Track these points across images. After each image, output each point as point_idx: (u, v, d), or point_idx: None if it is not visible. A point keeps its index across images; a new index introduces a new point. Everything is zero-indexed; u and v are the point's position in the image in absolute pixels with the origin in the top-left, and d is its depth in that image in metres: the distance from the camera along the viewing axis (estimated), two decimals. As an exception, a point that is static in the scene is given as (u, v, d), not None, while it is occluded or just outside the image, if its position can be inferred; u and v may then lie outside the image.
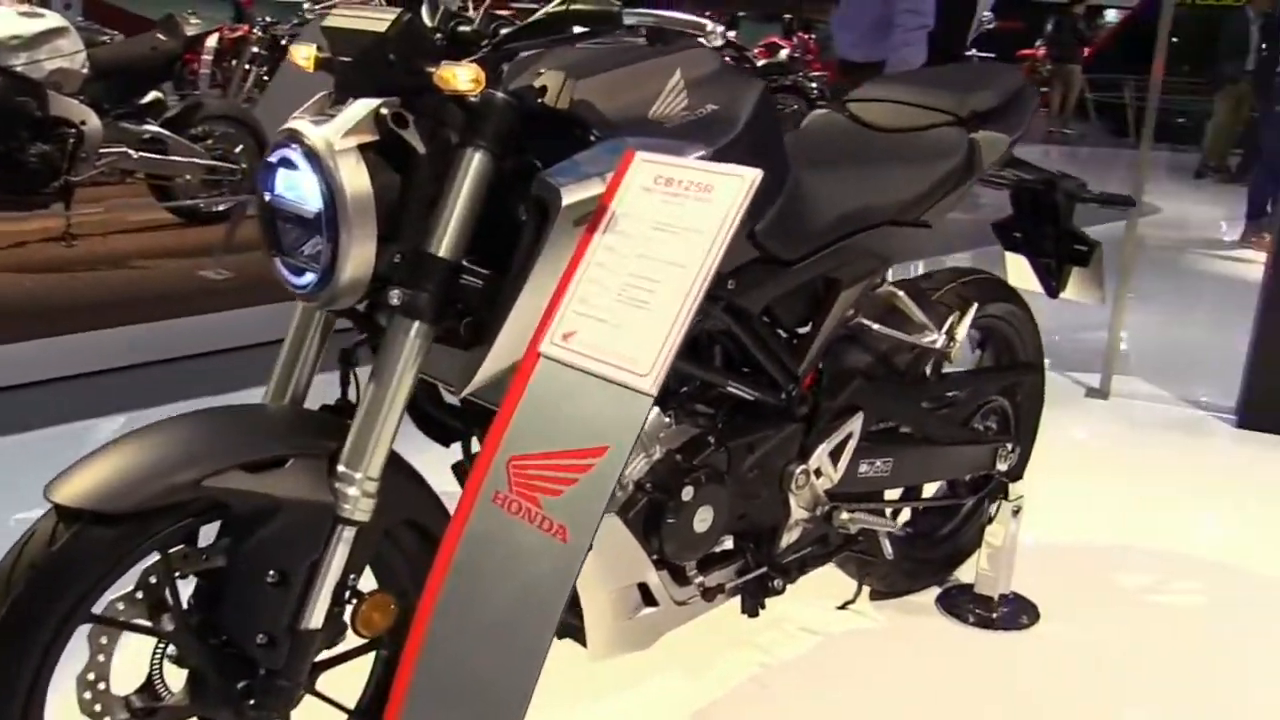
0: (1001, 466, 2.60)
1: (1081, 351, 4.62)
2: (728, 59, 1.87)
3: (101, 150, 5.51)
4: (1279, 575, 2.94)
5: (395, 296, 1.52)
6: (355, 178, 1.48)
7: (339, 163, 1.47)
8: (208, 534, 1.57)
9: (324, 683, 1.70)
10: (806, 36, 14.01)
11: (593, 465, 1.36)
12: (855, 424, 2.16)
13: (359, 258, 1.50)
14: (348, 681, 1.77)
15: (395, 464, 1.60)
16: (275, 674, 1.56)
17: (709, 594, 1.98)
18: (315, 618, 1.55)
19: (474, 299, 1.58)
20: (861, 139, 2.29)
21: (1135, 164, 4.53)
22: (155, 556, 1.51)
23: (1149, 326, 5.36)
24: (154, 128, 5.87)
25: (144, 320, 4.58)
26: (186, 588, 1.58)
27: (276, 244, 1.60)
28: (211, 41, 9.21)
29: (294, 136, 1.51)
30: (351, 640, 1.68)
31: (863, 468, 2.23)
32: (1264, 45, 10.42)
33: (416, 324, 1.53)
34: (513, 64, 1.64)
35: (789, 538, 2.13)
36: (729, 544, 2.08)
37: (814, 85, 10.31)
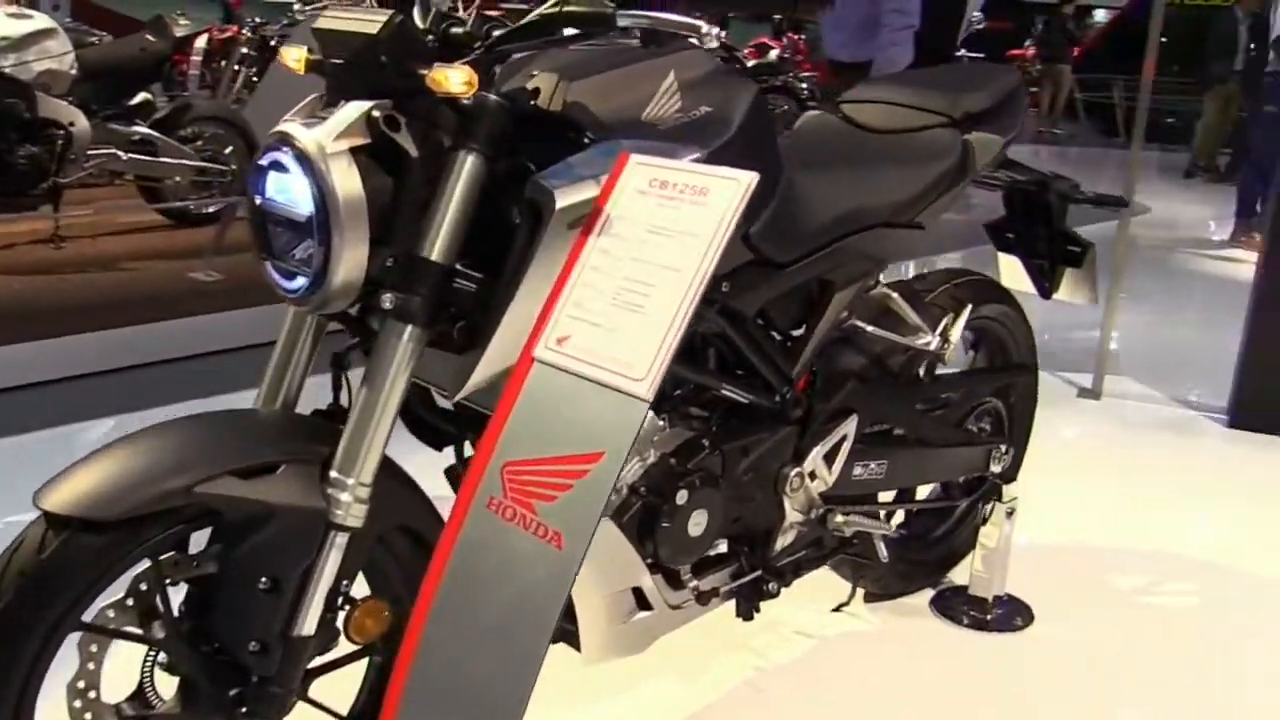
0: (995, 468, 2.60)
1: (1073, 351, 4.62)
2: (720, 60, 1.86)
3: (90, 152, 5.49)
4: (1271, 575, 2.94)
5: (388, 300, 1.51)
6: (347, 181, 1.47)
7: (331, 166, 1.46)
8: (199, 540, 1.56)
9: (317, 688, 1.68)
10: (796, 37, 14.02)
11: (588, 471, 1.35)
12: (849, 426, 2.16)
13: (351, 262, 1.49)
14: (340, 688, 1.75)
15: (388, 469, 1.58)
16: (268, 681, 1.55)
17: (703, 598, 1.97)
18: (308, 625, 1.54)
19: (467, 303, 1.56)
20: (855, 140, 2.28)
21: (1125, 164, 4.53)
22: (146, 563, 1.49)
23: (1140, 326, 5.37)
24: (143, 129, 5.85)
25: (134, 323, 4.57)
26: (177, 594, 1.57)
27: (267, 248, 1.59)
28: (200, 42, 9.17)
29: (285, 139, 1.49)
30: (344, 646, 1.67)
31: (857, 470, 2.22)
32: (1252, 45, 10.44)
33: (409, 328, 1.52)
34: (505, 66, 1.64)
35: (783, 541, 2.12)
36: (723, 547, 2.07)
37: (804, 86, 10.30)
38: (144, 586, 1.51)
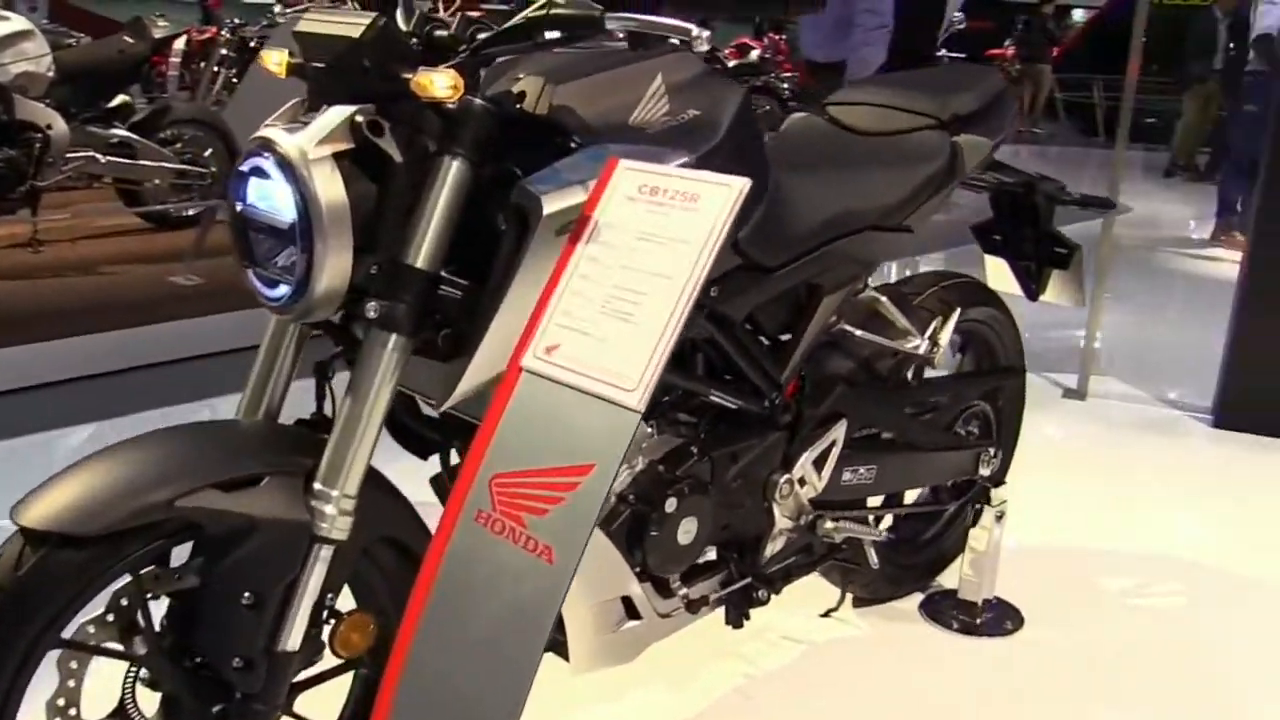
0: (984, 471, 2.59)
1: (1058, 352, 4.63)
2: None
3: (68, 155, 5.44)
4: (1257, 575, 2.94)
5: (372, 309, 1.48)
6: (330, 187, 1.44)
7: (313, 172, 1.43)
8: (180, 553, 1.53)
9: (302, 702, 1.66)
10: (777, 37, 14.02)
11: (579, 484, 1.33)
12: (839, 431, 2.14)
13: (334, 269, 1.46)
14: (327, 702, 1.73)
15: (373, 480, 1.56)
16: (251, 698, 1.52)
17: (693, 606, 1.95)
18: (293, 639, 1.51)
19: (453, 310, 1.54)
20: (842, 143, 2.26)
21: (1105, 163, 4.55)
22: (126, 578, 1.46)
23: (1125, 326, 5.38)
24: (122, 131, 5.80)
25: (113, 327, 4.53)
26: (159, 609, 1.54)
27: (249, 255, 1.55)
28: (179, 44, 9.11)
29: (266, 145, 1.46)
30: (329, 659, 1.64)
31: (846, 475, 2.21)
32: (1231, 45, 10.47)
33: (394, 337, 1.49)
34: (490, 69, 1.61)
35: (773, 547, 2.10)
36: (712, 555, 2.05)
37: (785, 86, 10.31)
38: (125, 602, 1.47)
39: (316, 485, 1.49)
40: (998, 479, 2.63)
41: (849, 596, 2.52)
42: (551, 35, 1.49)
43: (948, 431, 2.56)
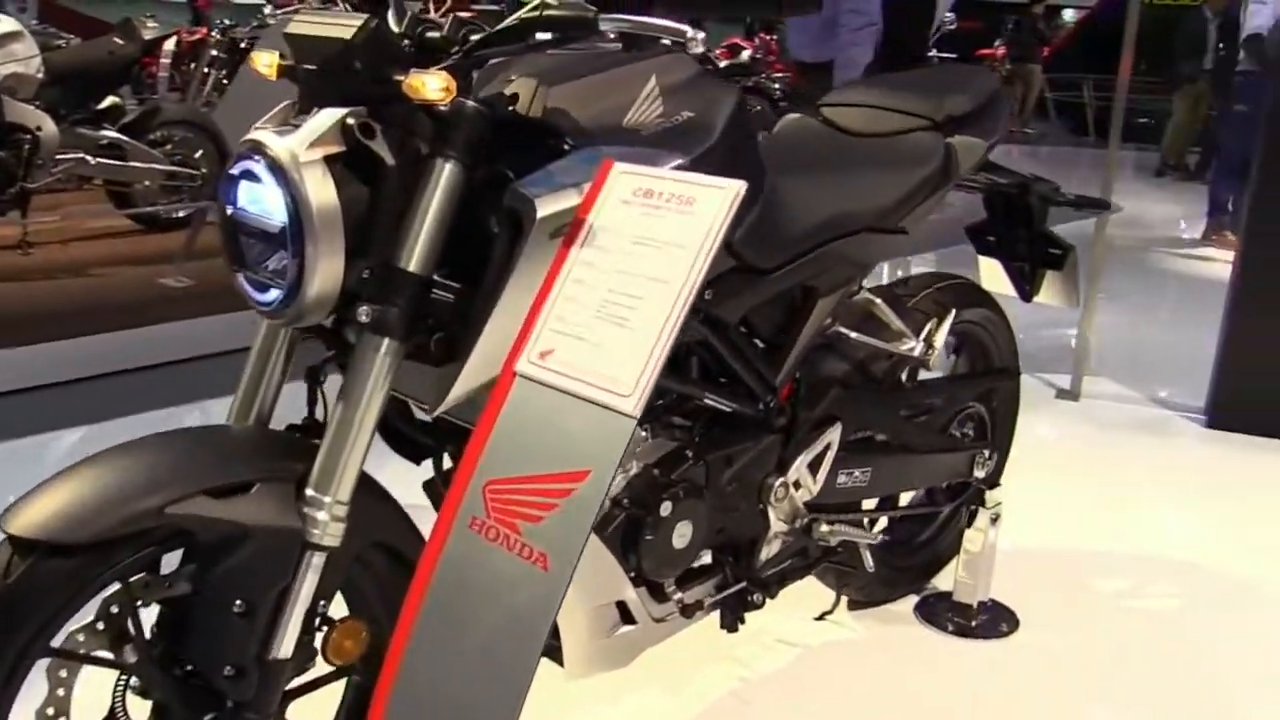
0: (979, 473, 2.58)
1: (1051, 352, 4.62)
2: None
3: (58, 156, 5.42)
4: (1251, 576, 2.94)
5: (364, 313, 1.47)
6: (321, 191, 1.42)
7: (304, 175, 1.41)
8: (171, 560, 1.51)
9: (294, 710, 1.64)
10: (768, 37, 14.00)
11: (574, 490, 1.31)
12: (834, 434, 2.13)
13: (326, 273, 1.44)
14: (319, 710, 1.71)
15: (365, 486, 1.54)
16: (244, 706, 1.50)
17: (688, 610, 1.94)
18: (285, 647, 1.49)
19: (446, 315, 1.52)
20: (836, 144, 2.25)
21: (1096, 162, 4.55)
22: (116, 586, 1.44)
23: (1117, 326, 5.38)
24: (112, 133, 5.78)
25: (103, 330, 4.51)
26: (149, 617, 1.52)
27: (239, 259, 1.54)
28: (169, 45, 9.08)
29: (257, 148, 1.45)
30: (321, 666, 1.63)
31: (841, 478, 2.20)
32: (1221, 44, 10.50)
33: (386, 341, 1.48)
34: (483, 71, 1.59)
35: (768, 551, 2.09)
36: (707, 559, 2.04)
37: (776, 86, 10.30)
38: (115, 610, 1.45)
39: (308, 491, 1.47)
40: (993, 481, 2.62)
41: (844, 599, 2.51)
42: (544, 36, 1.48)
43: (943, 434, 2.56)
